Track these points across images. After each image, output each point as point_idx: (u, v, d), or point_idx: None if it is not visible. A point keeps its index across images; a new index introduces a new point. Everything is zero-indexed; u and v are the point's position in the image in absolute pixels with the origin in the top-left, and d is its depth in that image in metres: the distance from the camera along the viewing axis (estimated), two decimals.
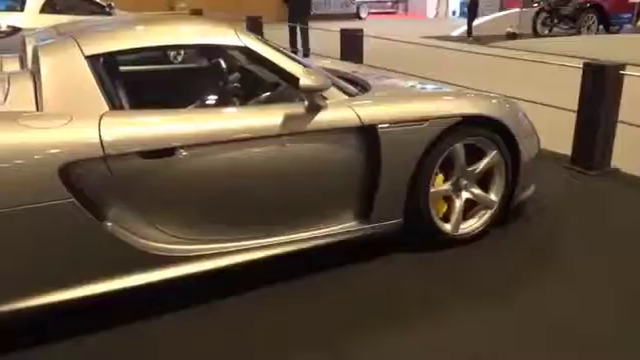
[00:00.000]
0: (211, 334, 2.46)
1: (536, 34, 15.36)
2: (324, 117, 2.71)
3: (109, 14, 8.38)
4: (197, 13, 12.68)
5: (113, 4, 8.81)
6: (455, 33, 16.07)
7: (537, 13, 15.71)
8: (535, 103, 5.14)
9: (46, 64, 2.44)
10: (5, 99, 2.41)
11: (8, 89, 2.47)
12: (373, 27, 12.18)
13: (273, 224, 2.76)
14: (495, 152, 3.15)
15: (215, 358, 2.33)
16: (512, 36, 14.82)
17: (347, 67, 4.23)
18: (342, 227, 2.89)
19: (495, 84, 5.66)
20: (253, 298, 2.71)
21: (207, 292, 2.70)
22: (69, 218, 2.23)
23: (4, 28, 7.36)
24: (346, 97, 2.88)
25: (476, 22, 15.32)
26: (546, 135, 3.78)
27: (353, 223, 2.93)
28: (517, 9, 16.96)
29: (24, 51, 3.15)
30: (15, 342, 2.37)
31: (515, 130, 3.18)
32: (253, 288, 2.76)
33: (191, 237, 2.57)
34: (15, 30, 7.22)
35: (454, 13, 25.72)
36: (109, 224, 2.37)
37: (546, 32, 15.59)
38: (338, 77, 3.17)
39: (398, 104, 2.96)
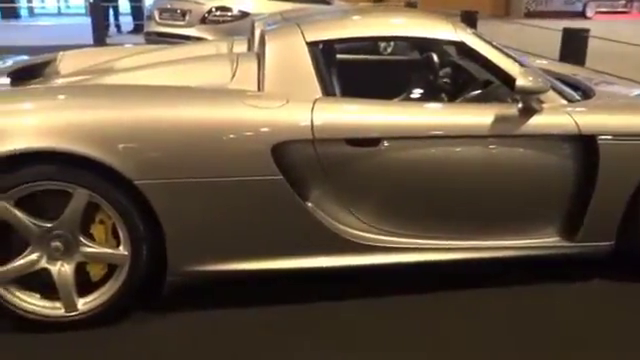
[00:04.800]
0: (401, 329, 2.46)
1: None
2: (538, 122, 2.54)
3: (328, 3, 8.75)
4: (411, 5, 12.72)
5: None
6: None
7: None
8: None
9: (271, 48, 2.61)
10: (232, 78, 2.62)
11: (236, 69, 2.69)
12: (599, 27, 11.20)
13: (467, 227, 2.66)
14: None
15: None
16: None
17: (566, 69, 3.92)
18: (542, 241, 2.70)
19: None
20: (424, 300, 2.67)
21: (390, 287, 2.72)
22: (276, 194, 2.37)
23: (235, 12, 8.06)
24: (564, 102, 2.68)
25: None
26: None
27: (555, 239, 2.71)
28: None
29: (252, 34, 3.41)
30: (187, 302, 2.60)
31: None
32: (425, 292, 2.72)
33: (383, 228, 2.59)
34: (244, 15, 7.87)
35: None
36: (310, 204, 2.47)
37: None
38: (557, 80, 2.95)
39: (624, 114, 2.68)
